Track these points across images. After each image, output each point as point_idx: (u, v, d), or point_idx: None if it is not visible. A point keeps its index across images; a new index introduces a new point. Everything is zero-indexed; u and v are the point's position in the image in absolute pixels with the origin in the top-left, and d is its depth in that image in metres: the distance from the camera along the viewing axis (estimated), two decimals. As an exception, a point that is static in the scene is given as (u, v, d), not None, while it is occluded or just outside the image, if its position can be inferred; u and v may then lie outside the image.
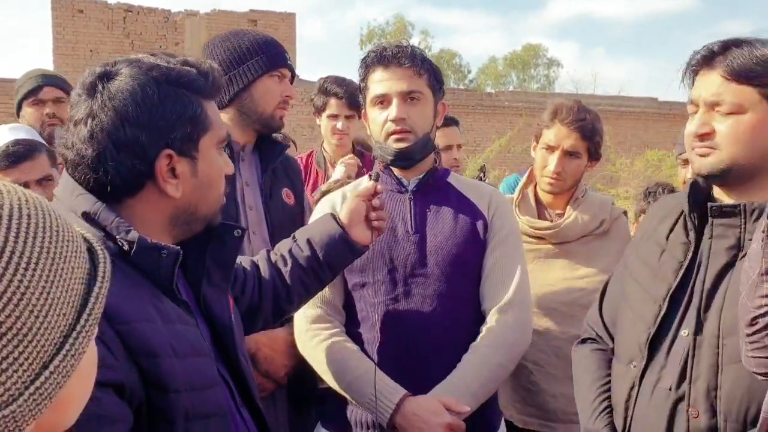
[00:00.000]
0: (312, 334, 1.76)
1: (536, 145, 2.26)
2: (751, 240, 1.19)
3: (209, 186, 1.21)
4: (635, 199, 5.58)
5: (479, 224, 1.77)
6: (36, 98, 2.84)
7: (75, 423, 0.73)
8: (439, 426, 1.55)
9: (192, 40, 14.63)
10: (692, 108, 1.40)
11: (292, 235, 1.65)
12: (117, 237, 1.09)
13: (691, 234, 1.42)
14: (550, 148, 2.18)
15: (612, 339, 1.59)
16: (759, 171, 1.35)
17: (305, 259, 1.57)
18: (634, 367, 1.43)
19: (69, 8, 14.27)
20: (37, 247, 0.63)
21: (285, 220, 2.04)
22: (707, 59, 1.36)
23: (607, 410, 1.51)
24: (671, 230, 1.49)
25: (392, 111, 1.72)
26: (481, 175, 4.77)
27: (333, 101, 3.13)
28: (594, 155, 2.22)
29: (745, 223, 1.33)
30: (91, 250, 0.74)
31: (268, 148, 2.05)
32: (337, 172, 2.96)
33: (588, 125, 2.17)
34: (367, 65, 1.77)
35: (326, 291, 1.75)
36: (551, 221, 2.23)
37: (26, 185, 2.18)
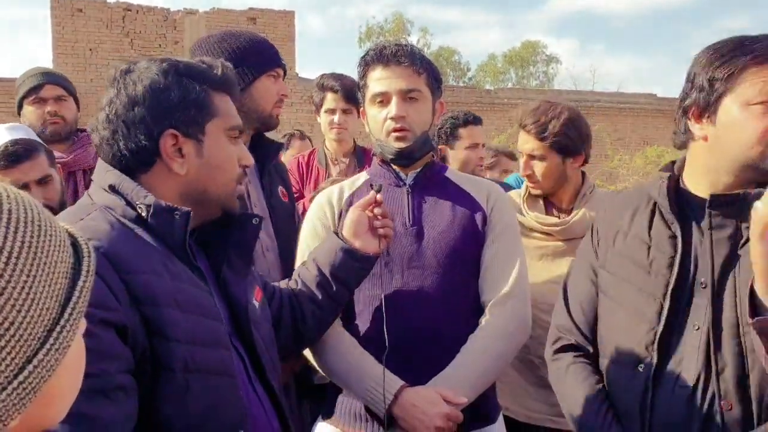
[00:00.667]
0: None
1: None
2: (748, 228, 1.16)
3: (216, 167, 1.32)
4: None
5: (478, 216, 1.78)
6: (37, 96, 2.80)
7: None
8: (437, 416, 1.56)
9: (191, 38, 14.59)
10: None
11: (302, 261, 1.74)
12: (136, 204, 1.23)
13: (674, 226, 1.42)
14: (521, 154, 2.27)
15: (591, 343, 1.55)
16: None
17: (313, 278, 1.66)
18: (643, 369, 1.39)
19: (68, 7, 14.24)
20: (18, 241, 0.63)
21: (285, 216, 2.06)
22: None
23: (615, 419, 1.44)
24: (650, 225, 1.47)
25: (392, 109, 1.74)
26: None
27: (329, 95, 3.14)
28: (567, 152, 2.18)
29: (745, 211, 1.30)
30: (75, 245, 0.74)
31: (263, 147, 2.08)
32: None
33: (542, 126, 2.16)
34: (367, 63, 1.79)
35: None
36: (558, 218, 2.25)
37: (26, 185, 2.19)
